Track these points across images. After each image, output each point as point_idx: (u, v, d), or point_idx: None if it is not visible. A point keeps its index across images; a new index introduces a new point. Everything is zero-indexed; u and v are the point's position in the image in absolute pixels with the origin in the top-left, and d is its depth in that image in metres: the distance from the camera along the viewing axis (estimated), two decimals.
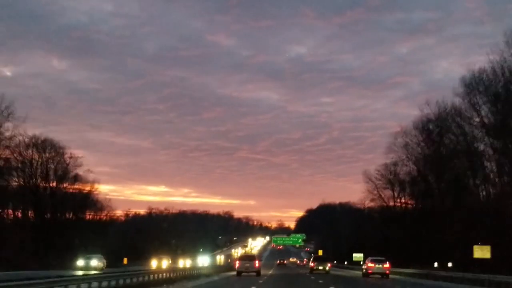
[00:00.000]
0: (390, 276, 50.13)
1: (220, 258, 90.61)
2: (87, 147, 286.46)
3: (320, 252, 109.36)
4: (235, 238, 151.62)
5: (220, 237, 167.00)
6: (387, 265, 49.86)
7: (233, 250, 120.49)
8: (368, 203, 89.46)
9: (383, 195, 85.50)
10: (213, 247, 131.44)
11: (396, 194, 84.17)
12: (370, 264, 50.16)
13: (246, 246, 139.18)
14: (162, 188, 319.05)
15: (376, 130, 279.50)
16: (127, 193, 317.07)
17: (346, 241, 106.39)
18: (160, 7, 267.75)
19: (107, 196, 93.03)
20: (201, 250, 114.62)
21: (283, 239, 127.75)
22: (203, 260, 79.83)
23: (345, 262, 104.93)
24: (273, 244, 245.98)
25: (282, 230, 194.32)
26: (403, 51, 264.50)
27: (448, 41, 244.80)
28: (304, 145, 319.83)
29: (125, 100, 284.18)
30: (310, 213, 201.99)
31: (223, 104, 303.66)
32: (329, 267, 61.06)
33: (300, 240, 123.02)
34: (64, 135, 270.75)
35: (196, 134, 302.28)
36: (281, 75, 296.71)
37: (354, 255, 59.91)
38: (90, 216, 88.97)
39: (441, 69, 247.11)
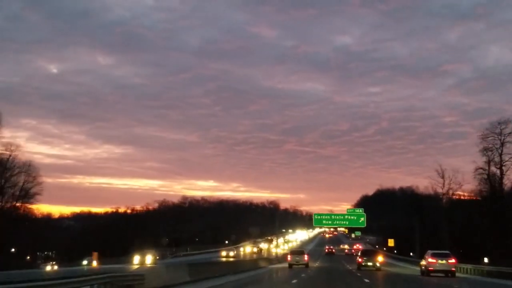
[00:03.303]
0: (457, 274, 42.51)
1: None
2: (135, 142, 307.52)
3: (391, 242, 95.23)
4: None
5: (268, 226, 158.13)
6: (452, 260, 42.04)
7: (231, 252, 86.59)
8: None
9: None
10: (246, 239, 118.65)
11: None
12: (431, 260, 42.29)
13: (271, 241, 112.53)
14: (211, 183, 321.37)
15: (426, 119, 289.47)
16: (176, 188, 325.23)
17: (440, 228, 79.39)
18: (200, 0, 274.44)
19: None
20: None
21: (332, 216, 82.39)
22: None
23: (395, 251, 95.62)
24: (322, 233, 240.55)
25: None
26: (452, 37, 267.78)
27: (498, 26, 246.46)
28: (353, 136, 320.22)
29: (170, 95, 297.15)
30: (366, 201, 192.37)
31: (268, 96, 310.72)
32: (381, 263, 53.60)
33: (361, 219, 77.48)
34: (111, 131, 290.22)
35: (242, 127, 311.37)
36: (326, 66, 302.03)
37: None
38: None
39: (492, 55, 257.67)
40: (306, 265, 57.99)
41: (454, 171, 79.20)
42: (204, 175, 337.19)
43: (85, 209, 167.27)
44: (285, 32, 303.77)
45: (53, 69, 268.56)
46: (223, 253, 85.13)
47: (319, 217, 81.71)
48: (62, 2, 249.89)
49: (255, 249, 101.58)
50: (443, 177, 79.29)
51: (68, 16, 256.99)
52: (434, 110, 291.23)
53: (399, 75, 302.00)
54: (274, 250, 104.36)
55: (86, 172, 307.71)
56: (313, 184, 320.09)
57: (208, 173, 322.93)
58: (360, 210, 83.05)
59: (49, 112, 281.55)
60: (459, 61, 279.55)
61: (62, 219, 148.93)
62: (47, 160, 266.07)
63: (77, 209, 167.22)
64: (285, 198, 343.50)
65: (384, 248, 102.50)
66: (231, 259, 70.62)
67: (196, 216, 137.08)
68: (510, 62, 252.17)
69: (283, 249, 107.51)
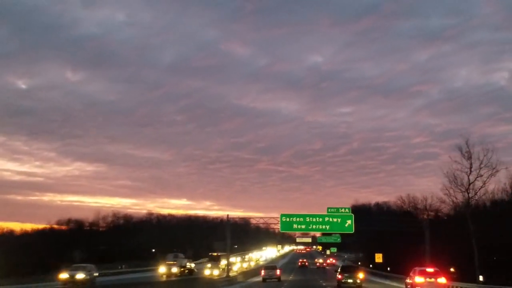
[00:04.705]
0: None
1: None
2: (107, 160, 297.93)
3: (379, 257, 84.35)
4: (235, 247, 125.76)
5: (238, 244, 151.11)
6: (442, 279, 37.52)
7: None
8: None
9: None
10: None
11: None
12: (418, 279, 37.66)
13: (219, 258, 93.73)
14: (184, 201, 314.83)
15: (397, 140, 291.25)
16: (149, 206, 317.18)
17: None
18: (173, 16, 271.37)
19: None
20: None
21: (306, 218, 63.02)
22: None
23: (388, 268, 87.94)
24: (294, 250, 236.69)
25: (306, 237, 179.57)
26: (422, 58, 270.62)
27: (467, 48, 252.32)
28: (325, 156, 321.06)
29: (142, 112, 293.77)
30: None
31: (242, 115, 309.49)
32: (361, 280, 50.00)
33: (348, 222, 62.08)
34: (83, 148, 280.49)
35: (216, 146, 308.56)
36: (299, 85, 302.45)
37: None
38: None
39: (461, 77, 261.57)
40: (279, 279, 63.83)
41: (485, 150, 54.71)
42: (177, 193, 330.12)
43: (48, 226, 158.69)
44: (258, 50, 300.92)
45: (22, 84, 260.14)
46: (62, 276, 51.43)
47: (287, 219, 62.04)
48: (31, 16, 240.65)
49: (174, 269, 71.27)
50: (470, 158, 55.29)
51: (37, 30, 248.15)
52: (404, 130, 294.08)
53: (370, 95, 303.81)
54: (213, 272, 78.74)
55: (57, 189, 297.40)
56: (286, 203, 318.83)
57: (181, 191, 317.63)
58: (346, 210, 64.36)
59: (18, 128, 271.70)
60: (429, 83, 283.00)
61: (24, 236, 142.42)
62: (17, 177, 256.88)
63: (40, 226, 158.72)
64: (258, 217, 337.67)
65: (371, 265, 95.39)
66: (81, 285, 49.06)
67: (157, 231, 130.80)
68: (478, 83, 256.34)
69: (233, 270, 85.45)
